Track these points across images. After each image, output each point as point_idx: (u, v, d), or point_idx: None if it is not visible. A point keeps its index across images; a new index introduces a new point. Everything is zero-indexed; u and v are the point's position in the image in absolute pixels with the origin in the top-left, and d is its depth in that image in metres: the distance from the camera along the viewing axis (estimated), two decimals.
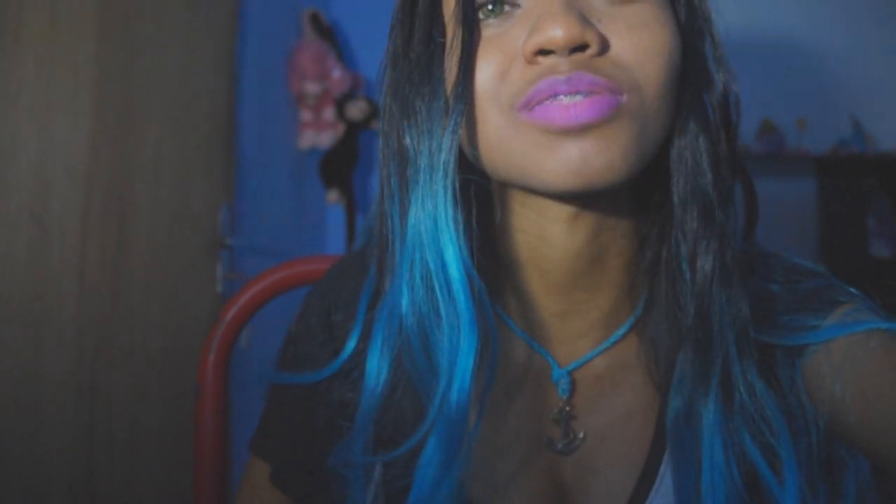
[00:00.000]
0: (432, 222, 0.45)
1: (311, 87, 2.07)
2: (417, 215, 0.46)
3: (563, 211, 0.48)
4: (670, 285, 0.49)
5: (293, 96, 2.11)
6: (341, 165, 2.17)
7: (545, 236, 0.49)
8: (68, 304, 1.11)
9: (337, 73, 2.12)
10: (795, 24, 2.71)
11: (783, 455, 0.45)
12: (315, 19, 2.15)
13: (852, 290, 0.51)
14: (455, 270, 0.45)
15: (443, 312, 0.45)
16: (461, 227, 0.45)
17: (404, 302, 0.47)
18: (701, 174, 0.46)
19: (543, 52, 0.43)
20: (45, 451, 1.06)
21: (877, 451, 0.44)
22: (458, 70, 0.44)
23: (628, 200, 0.50)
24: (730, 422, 0.46)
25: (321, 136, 2.14)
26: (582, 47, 0.42)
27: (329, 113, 2.14)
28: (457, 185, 0.45)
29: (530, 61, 0.43)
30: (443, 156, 0.45)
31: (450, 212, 0.45)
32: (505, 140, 0.44)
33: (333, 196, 2.19)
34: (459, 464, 0.45)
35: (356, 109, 2.14)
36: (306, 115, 2.13)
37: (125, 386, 1.23)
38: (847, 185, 2.72)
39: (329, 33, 2.19)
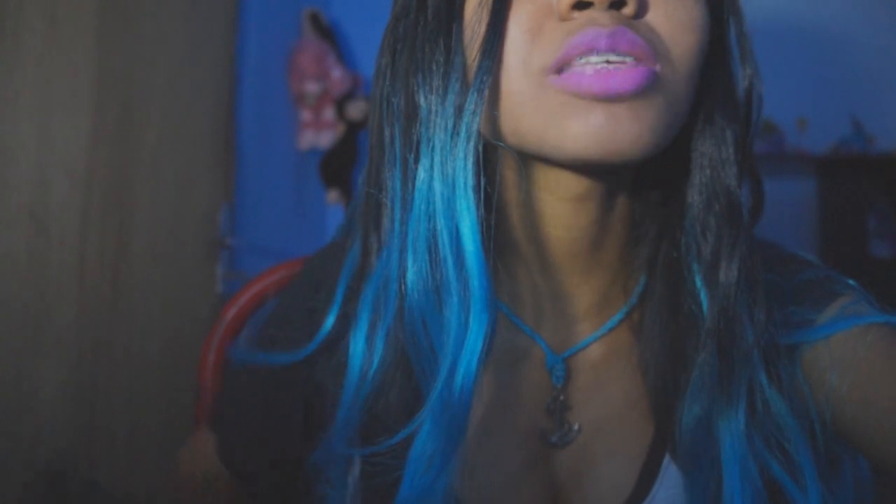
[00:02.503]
0: (450, 189, 0.42)
1: (311, 87, 2.07)
2: (429, 181, 0.42)
3: (570, 189, 0.45)
4: (669, 285, 0.48)
5: (293, 96, 2.11)
6: (341, 165, 2.17)
7: (549, 215, 0.47)
8: (68, 305, 1.11)
9: (337, 73, 2.12)
10: (795, 23, 2.71)
11: (802, 462, 0.44)
12: (315, 19, 2.15)
13: (849, 281, 0.50)
14: (470, 242, 0.41)
15: (453, 288, 0.42)
16: (481, 196, 0.42)
17: (409, 276, 0.43)
18: (726, 172, 0.45)
19: (581, 5, 0.40)
20: (45, 452, 1.06)
21: (872, 449, 0.43)
22: (488, 23, 0.41)
23: (629, 187, 0.48)
24: (751, 430, 0.45)
25: (321, 136, 2.14)
26: (618, 4, 0.40)
27: (329, 113, 2.14)
28: (480, 150, 0.42)
29: (565, 17, 0.40)
30: (466, 118, 0.41)
31: (470, 179, 0.41)
32: (529, 101, 0.41)
33: (333, 196, 2.19)
34: (457, 457, 0.43)
35: (356, 109, 2.14)
36: (306, 115, 2.13)
37: (125, 386, 1.23)
38: (847, 185, 2.72)
39: (329, 33, 2.19)
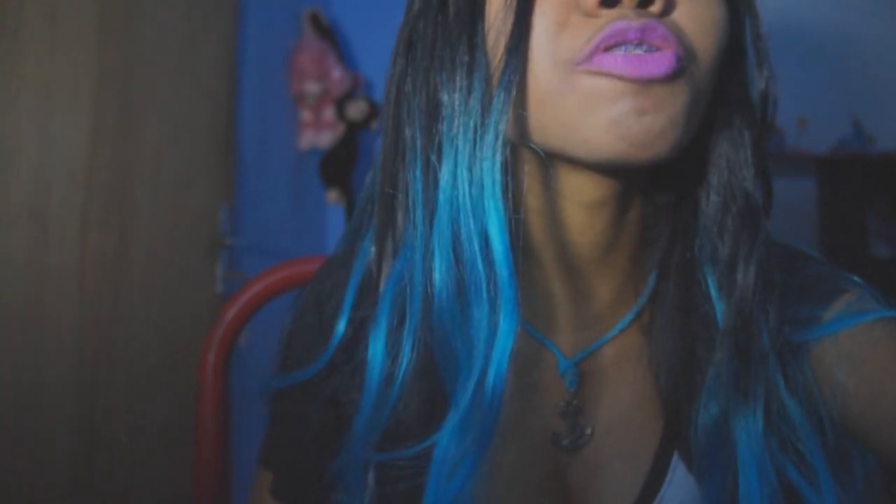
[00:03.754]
0: (478, 189, 0.41)
1: (311, 87, 2.07)
2: (454, 181, 0.42)
3: (588, 194, 0.45)
4: (681, 286, 0.48)
5: (293, 96, 2.11)
6: (341, 165, 2.17)
7: (565, 221, 0.47)
8: (68, 305, 1.11)
9: (337, 73, 2.12)
10: (795, 23, 2.71)
11: (816, 464, 0.45)
12: (315, 19, 2.15)
13: (855, 278, 0.50)
14: (499, 244, 0.41)
15: (483, 289, 0.41)
16: (509, 195, 0.41)
17: (436, 277, 0.43)
18: (744, 174, 0.45)
19: (608, 2, 0.40)
20: (45, 451, 1.06)
21: (881, 444, 0.43)
22: (515, 20, 0.40)
23: (642, 190, 0.49)
24: (767, 431, 0.44)
25: (321, 136, 2.14)
26: (645, 2, 0.40)
27: (329, 113, 2.14)
28: (508, 149, 0.41)
29: (592, 13, 0.40)
30: (494, 116, 0.41)
31: (498, 178, 0.41)
32: (556, 93, 0.41)
33: (333, 196, 2.19)
34: (482, 462, 0.42)
35: (356, 109, 2.14)
36: (306, 115, 2.13)
37: (125, 386, 1.23)
38: (847, 185, 2.72)
39: (329, 33, 2.19)
